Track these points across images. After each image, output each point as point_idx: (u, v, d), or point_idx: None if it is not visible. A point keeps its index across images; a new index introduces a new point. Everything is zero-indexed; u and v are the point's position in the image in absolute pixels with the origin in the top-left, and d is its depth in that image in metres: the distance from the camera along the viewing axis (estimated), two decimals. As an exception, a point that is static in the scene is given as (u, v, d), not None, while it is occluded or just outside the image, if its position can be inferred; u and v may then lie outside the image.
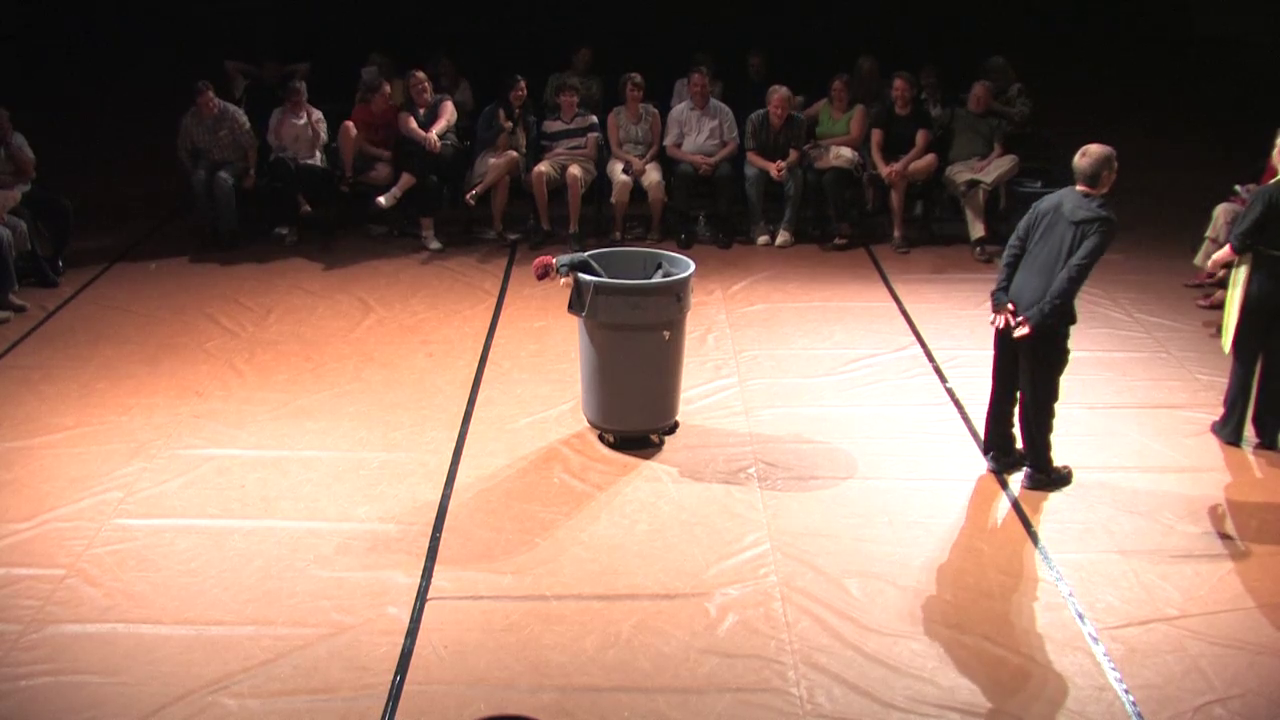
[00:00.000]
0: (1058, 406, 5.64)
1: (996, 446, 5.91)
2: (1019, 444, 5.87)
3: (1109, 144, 5.51)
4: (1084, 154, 5.47)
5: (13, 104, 8.75)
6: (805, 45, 11.67)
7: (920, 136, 9.36)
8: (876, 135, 9.46)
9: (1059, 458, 5.85)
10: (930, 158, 9.42)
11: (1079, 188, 5.46)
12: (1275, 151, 6.14)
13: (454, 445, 6.20)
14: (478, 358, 7.33)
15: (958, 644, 4.61)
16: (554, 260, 6.08)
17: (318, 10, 13.31)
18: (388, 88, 9.62)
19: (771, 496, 5.69)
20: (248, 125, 9.51)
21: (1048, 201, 5.59)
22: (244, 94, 10.33)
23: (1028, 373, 5.60)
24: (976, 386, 6.45)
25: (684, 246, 9.27)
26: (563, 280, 6.02)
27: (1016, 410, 5.80)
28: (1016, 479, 5.80)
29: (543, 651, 4.54)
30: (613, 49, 10.99)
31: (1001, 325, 5.55)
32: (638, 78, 9.64)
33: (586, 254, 6.21)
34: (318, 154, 9.56)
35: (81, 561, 5.11)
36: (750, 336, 7.67)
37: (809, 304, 8.25)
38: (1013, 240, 5.69)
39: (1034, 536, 5.35)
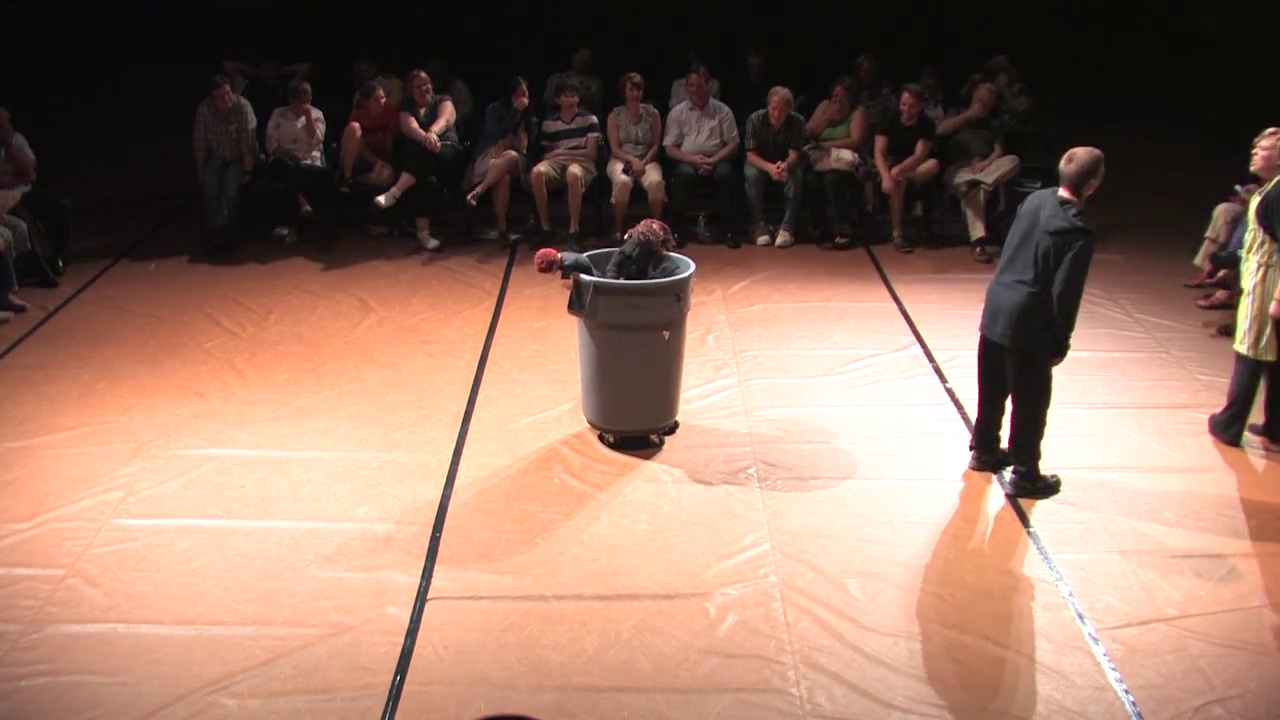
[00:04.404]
0: (1050, 414, 5.62)
1: (981, 446, 5.91)
2: (1003, 445, 5.86)
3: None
4: (1070, 159, 5.40)
5: (13, 104, 8.75)
6: (805, 45, 11.67)
7: (921, 146, 9.35)
8: (881, 142, 9.46)
9: (1060, 457, 5.86)
10: (931, 163, 9.42)
11: (1061, 191, 5.38)
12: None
13: (454, 445, 6.20)
14: (478, 358, 7.33)
15: (958, 644, 4.61)
16: (559, 257, 6.06)
17: (317, 10, 13.32)
18: (381, 92, 9.62)
19: (771, 496, 5.69)
20: (254, 124, 9.54)
21: (1030, 202, 5.54)
22: (243, 94, 10.33)
23: (1016, 383, 5.58)
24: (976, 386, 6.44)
25: (676, 247, 9.24)
26: (561, 279, 6.02)
27: (1004, 414, 5.79)
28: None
29: (543, 651, 4.54)
30: (612, 49, 10.99)
31: None
32: (637, 78, 9.64)
33: (587, 255, 6.21)
34: (317, 154, 9.56)
35: (81, 561, 5.11)
36: (750, 336, 7.67)
37: (809, 304, 8.25)
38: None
39: (1034, 536, 5.35)
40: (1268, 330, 5.90)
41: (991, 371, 5.71)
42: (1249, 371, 6.03)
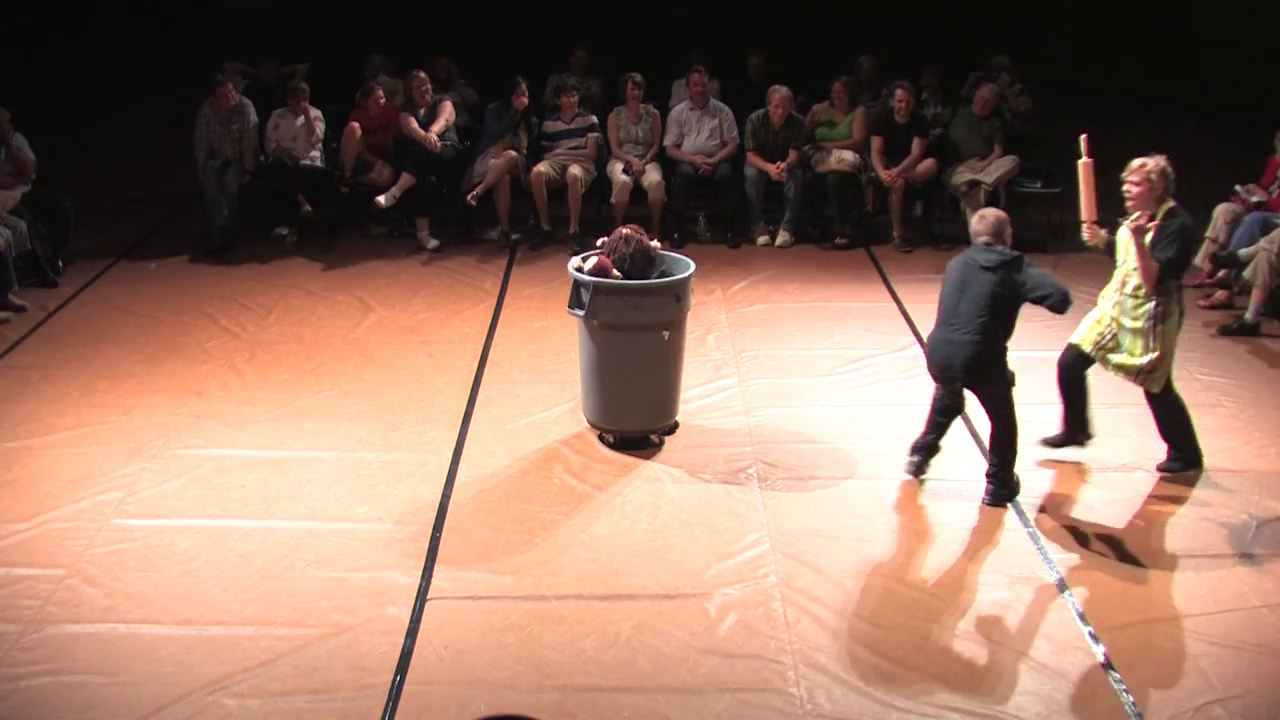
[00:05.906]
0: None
1: (921, 450, 5.82)
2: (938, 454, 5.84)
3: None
4: (981, 218, 5.54)
5: (13, 104, 8.75)
6: (805, 45, 11.68)
7: (916, 144, 9.36)
8: (877, 142, 9.46)
9: (1060, 457, 5.86)
10: (930, 162, 9.42)
11: (983, 239, 5.47)
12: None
13: (454, 445, 6.20)
14: (478, 358, 7.33)
15: (957, 643, 4.61)
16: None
17: (317, 10, 13.34)
18: (380, 92, 9.63)
19: (771, 496, 5.69)
20: (255, 121, 9.55)
21: (952, 265, 5.62)
22: (243, 94, 10.34)
23: (990, 405, 5.56)
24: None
25: (676, 247, 9.26)
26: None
27: (944, 435, 5.81)
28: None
29: (543, 651, 4.54)
30: (612, 49, 10.99)
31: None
32: (638, 77, 9.64)
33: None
34: (316, 153, 9.56)
35: (81, 561, 5.11)
36: (750, 336, 7.67)
37: (809, 304, 8.25)
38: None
39: (1034, 537, 5.35)
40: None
41: (943, 405, 5.74)
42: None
